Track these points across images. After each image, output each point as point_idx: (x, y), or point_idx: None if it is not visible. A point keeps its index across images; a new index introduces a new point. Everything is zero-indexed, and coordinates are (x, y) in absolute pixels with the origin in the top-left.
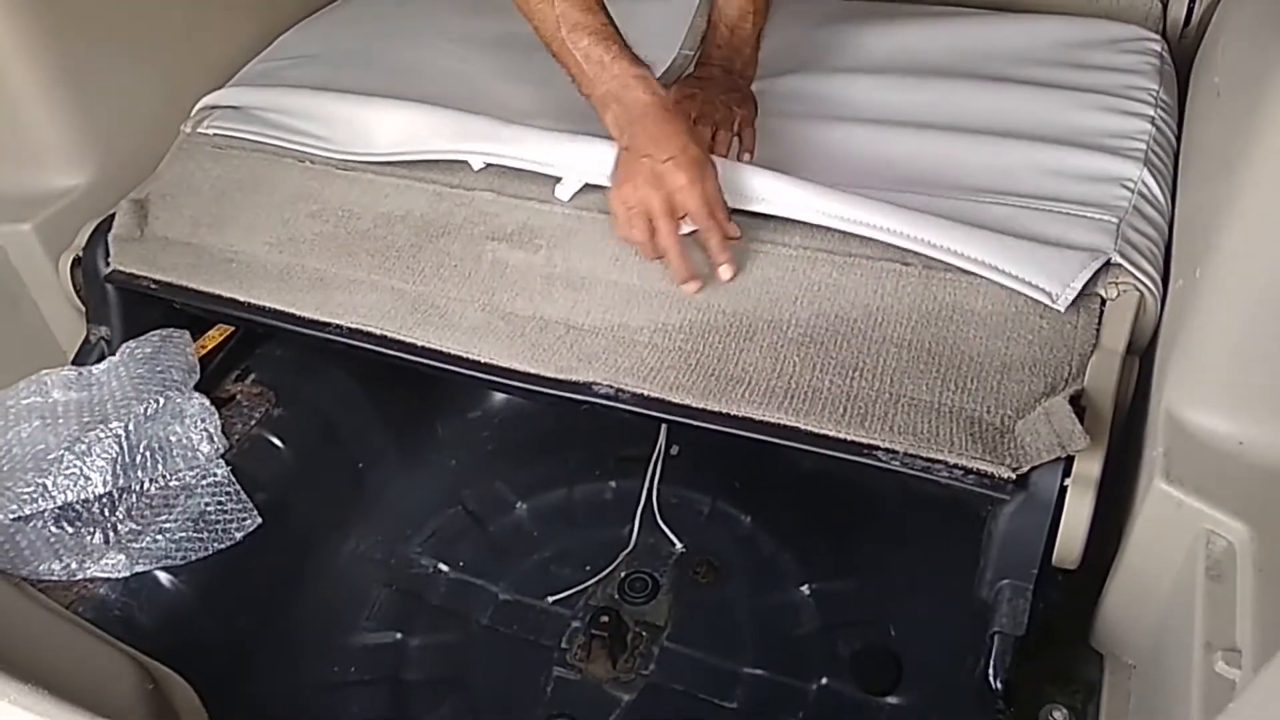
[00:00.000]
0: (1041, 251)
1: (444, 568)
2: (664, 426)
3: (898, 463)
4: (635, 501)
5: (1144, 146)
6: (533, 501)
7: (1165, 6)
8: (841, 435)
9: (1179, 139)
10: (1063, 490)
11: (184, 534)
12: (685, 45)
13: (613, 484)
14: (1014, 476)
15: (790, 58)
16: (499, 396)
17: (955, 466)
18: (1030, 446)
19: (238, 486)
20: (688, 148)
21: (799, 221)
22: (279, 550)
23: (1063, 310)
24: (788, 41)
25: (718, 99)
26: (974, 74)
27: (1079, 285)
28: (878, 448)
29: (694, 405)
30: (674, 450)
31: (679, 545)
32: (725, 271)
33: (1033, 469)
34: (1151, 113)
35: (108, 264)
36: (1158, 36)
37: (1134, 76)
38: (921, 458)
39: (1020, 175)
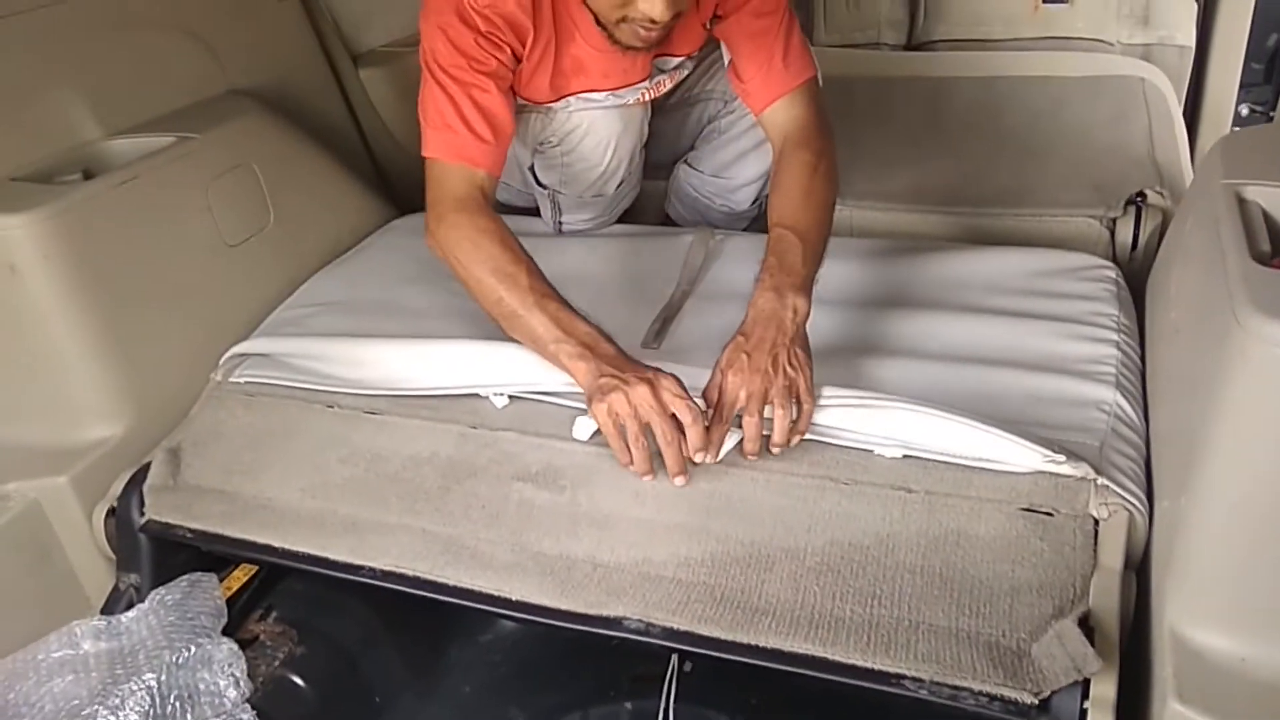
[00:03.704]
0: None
1: None
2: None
3: (925, 691)
4: None
5: (1114, 370)
6: None
7: (1113, 234)
8: (868, 665)
9: (1143, 359)
10: (1083, 713)
11: None
12: (682, 282)
13: (628, 705)
14: (1037, 702)
15: None
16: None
17: (980, 694)
18: (1048, 670)
19: None
20: (640, 372)
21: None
22: None
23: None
24: None
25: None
26: (951, 304)
27: None
28: (905, 676)
29: (723, 638)
30: (687, 667)
31: None
32: (679, 481)
33: (1053, 693)
34: (1116, 338)
35: (142, 514)
36: (1110, 264)
37: (1095, 303)
38: (948, 685)
39: (1004, 400)
